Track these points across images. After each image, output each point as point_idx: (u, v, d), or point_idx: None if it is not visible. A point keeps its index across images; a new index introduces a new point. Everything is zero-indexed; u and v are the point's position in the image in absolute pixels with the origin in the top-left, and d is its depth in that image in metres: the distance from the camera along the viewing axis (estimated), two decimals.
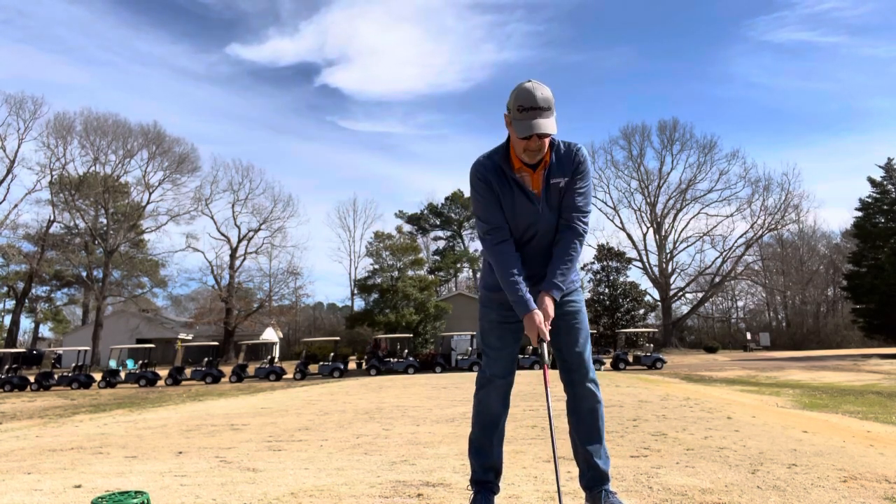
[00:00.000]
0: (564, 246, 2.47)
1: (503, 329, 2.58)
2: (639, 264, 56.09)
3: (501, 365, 2.58)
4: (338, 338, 34.61)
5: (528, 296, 2.41)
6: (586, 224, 2.52)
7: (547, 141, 2.36)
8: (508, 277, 2.41)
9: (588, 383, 2.53)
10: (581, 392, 2.54)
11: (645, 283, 55.94)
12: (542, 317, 2.38)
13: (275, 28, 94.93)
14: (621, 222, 57.82)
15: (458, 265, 61.92)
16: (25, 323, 60.94)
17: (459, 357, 29.76)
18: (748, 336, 53.82)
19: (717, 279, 56.62)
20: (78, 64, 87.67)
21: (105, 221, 50.20)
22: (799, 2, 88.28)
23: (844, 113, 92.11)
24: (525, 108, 2.27)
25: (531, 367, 25.36)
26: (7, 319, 55.89)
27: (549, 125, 2.27)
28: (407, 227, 60.70)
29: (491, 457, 2.58)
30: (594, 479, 2.50)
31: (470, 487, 2.60)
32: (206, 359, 28.72)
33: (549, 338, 2.41)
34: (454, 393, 11.92)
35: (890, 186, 43.35)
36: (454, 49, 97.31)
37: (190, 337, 49.08)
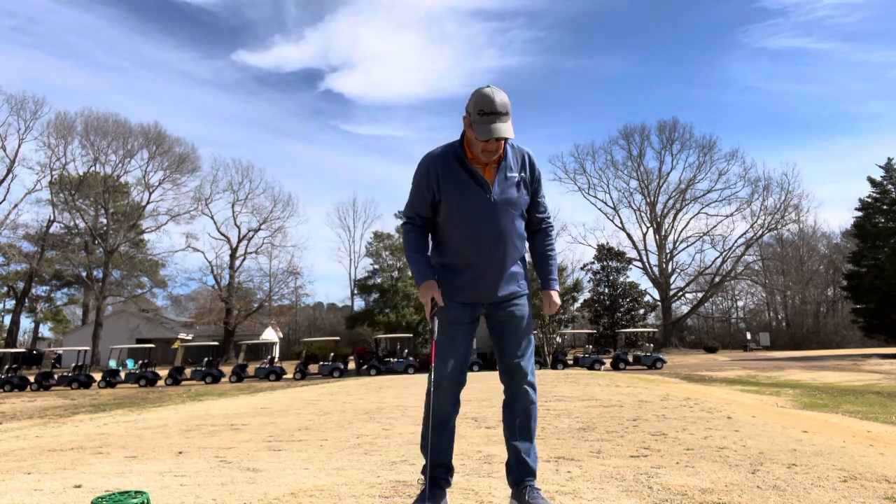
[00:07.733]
0: (547, 246, 2.78)
1: (453, 329, 2.60)
2: (639, 264, 56.15)
3: (452, 367, 2.60)
4: (338, 338, 34.58)
5: (428, 268, 2.62)
6: (551, 223, 2.85)
7: (503, 143, 2.55)
8: (412, 253, 2.66)
9: (526, 385, 2.65)
10: (518, 392, 2.66)
11: (645, 283, 56.06)
12: (436, 286, 2.57)
13: (280, 35, 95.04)
14: (621, 222, 57.85)
15: None
16: (25, 323, 61.05)
17: None
18: (748, 336, 53.77)
19: (717, 279, 56.60)
20: (86, 68, 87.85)
21: (105, 221, 50.21)
22: (793, 9, 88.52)
23: (840, 116, 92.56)
24: (486, 112, 2.41)
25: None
26: (7, 319, 55.96)
27: (507, 129, 2.43)
28: None
29: (440, 454, 2.63)
30: (522, 474, 2.63)
31: (422, 480, 2.60)
32: (206, 359, 28.72)
33: (441, 303, 2.56)
34: None
35: (890, 186, 43.37)
36: (456, 55, 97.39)
37: (189, 337, 49.05)
